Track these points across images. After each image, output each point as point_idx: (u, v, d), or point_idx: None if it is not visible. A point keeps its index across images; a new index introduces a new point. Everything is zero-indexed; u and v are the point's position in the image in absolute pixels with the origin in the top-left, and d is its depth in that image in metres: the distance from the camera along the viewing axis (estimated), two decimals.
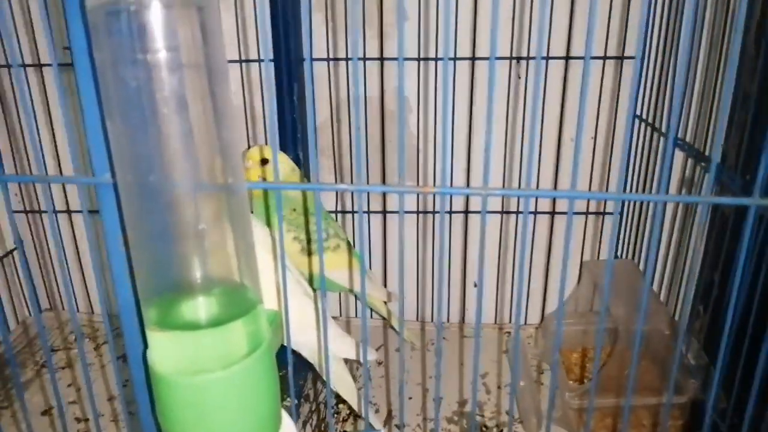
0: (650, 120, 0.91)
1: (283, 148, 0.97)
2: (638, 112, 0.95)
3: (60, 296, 1.17)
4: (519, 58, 0.96)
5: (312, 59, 0.99)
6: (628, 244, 0.99)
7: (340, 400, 0.91)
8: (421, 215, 1.07)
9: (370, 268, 1.10)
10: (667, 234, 0.94)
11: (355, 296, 1.07)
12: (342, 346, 0.69)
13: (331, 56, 0.99)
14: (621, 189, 0.39)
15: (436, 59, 0.97)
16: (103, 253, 0.45)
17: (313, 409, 0.90)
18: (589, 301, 0.95)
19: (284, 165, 0.82)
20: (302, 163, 0.98)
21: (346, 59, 0.99)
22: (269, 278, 0.52)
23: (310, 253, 0.80)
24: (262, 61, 0.99)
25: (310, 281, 0.83)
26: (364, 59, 0.98)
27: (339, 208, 1.07)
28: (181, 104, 0.34)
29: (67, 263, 1.13)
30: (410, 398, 0.95)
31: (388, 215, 1.07)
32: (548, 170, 1.02)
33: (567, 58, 0.95)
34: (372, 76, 0.99)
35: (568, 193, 0.39)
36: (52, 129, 1.05)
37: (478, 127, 1.00)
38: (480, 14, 0.94)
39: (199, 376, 0.40)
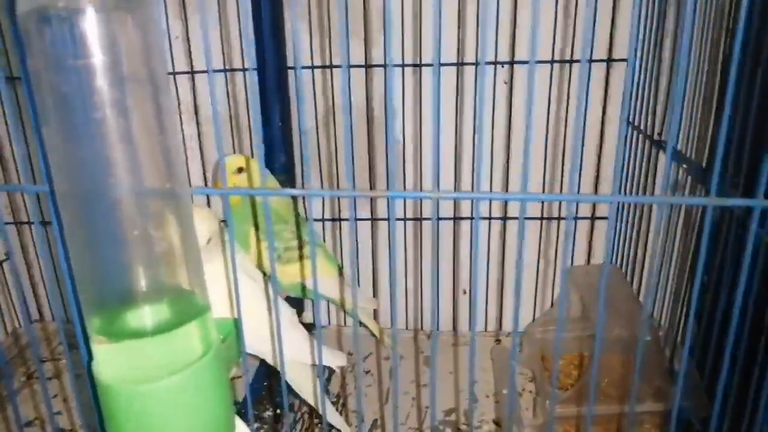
0: (636, 122, 0.90)
1: (270, 156, 0.97)
2: (627, 116, 0.94)
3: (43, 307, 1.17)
4: (504, 63, 0.96)
5: (287, 67, 0.99)
6: (614, 249, 0.98)
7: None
8: (409, 222, 1.06)
9: (359, 283, 1.09)
10: (653, 238, 0.93)
11: (326, 303, 1.06)
12: (305, 352, 0.69)
13: (315, 64, 0.99)
14: (617, 191, 0.38)
15: (420, 65, 0.96)
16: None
17: (297, 418, 0.89)
18: (574, 308, 0.94)
19: (257, 174, 0.82)
20: (288, 170, 0.98)
21: (330, 66, 0.98)
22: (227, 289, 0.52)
23: (288, 261, 0.79)
24: (247, 70, 0.99)
25: (286, 290, 0.83)
26: (348, 66, 0.98)
27: (328, 216, 1.06)
28: (115, 109, 0.34)
29: (56, 273, 1.13)
30: (396, 407, 0.93)
31: (379, 222, 1.07)
32: (538, 175, 1.01)
33: (553, 61, 0.94)
34: (356, 83, 0.99)
35: (565, 197, 0.38)
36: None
37: (468, 131, 1.00)
38: (468, 20, 0.94)
39: (143, 384, 0.40)
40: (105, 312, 0.40)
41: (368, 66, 0.98)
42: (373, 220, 1.06)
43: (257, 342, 0.63)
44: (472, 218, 1.05)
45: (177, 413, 0.41)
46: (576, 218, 1.02)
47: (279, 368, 0.66)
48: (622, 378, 0.75)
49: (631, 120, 0.92)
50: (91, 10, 0.32)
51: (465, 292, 1.10)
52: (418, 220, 1.05)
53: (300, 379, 0.71)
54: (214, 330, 0.43)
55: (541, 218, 1.03)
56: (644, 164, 0.88)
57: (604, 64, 0.94)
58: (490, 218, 1.05)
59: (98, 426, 0.46)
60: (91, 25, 0.32)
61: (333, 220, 1.07)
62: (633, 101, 0.91)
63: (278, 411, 0.89)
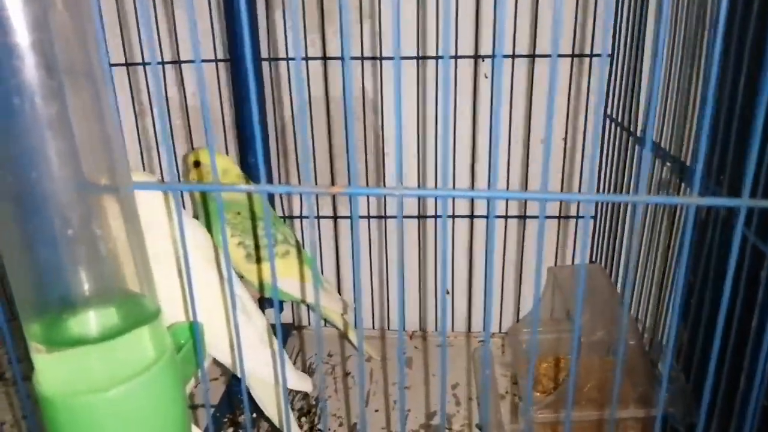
0: (618, 118, 0.88)
1: (244, 150, 0.94)
2: (608, 112, 0.92)
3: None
4: (483, 57, 0.93)
5: (261, 59, 0.96)
6: (597, 247, 0.95)
7: (301, 414, 0.88)
8: (378, 219, 1.03)
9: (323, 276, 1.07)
10: (638, 237, 0.91)
11: (308, 306, 1.03)
12: (295, 380, 0.66)
13: (288, 56, 0.96)
14: (593, 189, 0.35)
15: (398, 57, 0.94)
16: None
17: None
18: (558, 309, 0.91)
19: (222, 167, 0.79)
20: (266, 165, 0.95)
21: (306, 58, 0.95)
22: (200, 289, 0.49)
23: (257, 260, 0.76)
24: (221, 60, 0.96)
25: (260, 290, 0.79)
26: (324, 58, 0.95)
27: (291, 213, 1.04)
28: (40, 95, 0.31)
29: None
30: (376, 411, 0.91)
31: (343, 220, 1.04)
32: (515, 170, 0.99)
33: (533, 56, 0.92)
34: (336, 75, 0.96)
35: (536, 195, 0.35)
36: None
37: (446, 125, 0.97)
38: (438, 13, 0.91)
39: (87, 395, 0.37)
40: (44, 318, 0.36)
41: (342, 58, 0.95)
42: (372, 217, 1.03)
43: (219, 351, 0.60)
44: (456, 216, 1.02)
45: (126, 426, 0.38)
46: (559, 217, 1.00)
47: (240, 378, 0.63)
48: (605, 382, 0.72)
49: (613, 116, 0.90)
50: None
51: (448, 293, 1.08)
52: (390, 218, 1.02)
53: (266, 397, 0.67)
54: (166, 336, 0.40)
55: (523, 216, 1.01)
56: (626, 161, 0.86)
57: (587, 59, 0.92)
58: (471, 216, 1.02)
59: None
60: (14, 3, 0.29)
61: (293, 217, 1.04)
62: (614, 97, 0.89)
63: (253, 414, 0.86)
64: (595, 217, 0.99)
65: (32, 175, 0.31)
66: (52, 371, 0.37)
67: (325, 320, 0.91)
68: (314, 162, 1.00)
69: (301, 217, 1.04)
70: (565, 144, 0.96)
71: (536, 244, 1.00)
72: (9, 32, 0.29)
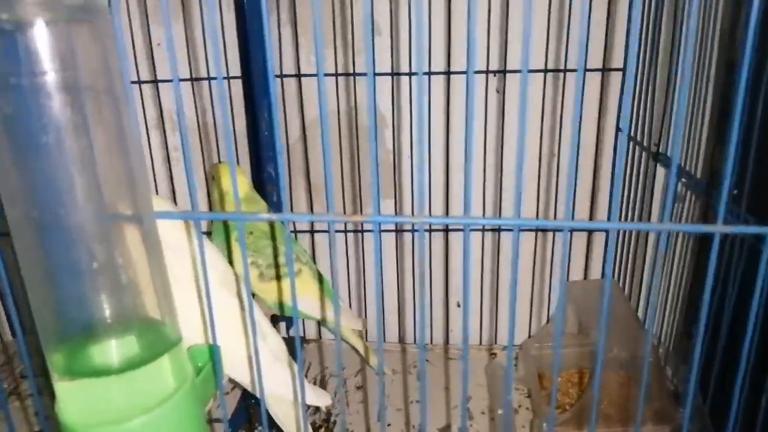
0: (632, 134, 0.87)
1: (257, 166, 0.94)
2: (621, 126, 0.92)
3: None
4: (497, 72, 0.93)
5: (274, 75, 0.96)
6: (615, 263, 0.95)
7: (315, 429, 0.88)
8: (397, 233, 1.03)
9: (348, 299, 1.06)
10: (652, 252, 0.90)
11: (319, 323, 1.03)
12: (290, 391, 0.65)
13: (301, 72, 0.96)
14: (616, 218, 0.35)
15: (410, 74, 0.94)
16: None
17: None
18: (570, 323, 0.91)
19: (240, 184, 0.79)
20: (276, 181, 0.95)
21: (317, 75, 0.95)
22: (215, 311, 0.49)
23: (271, 279, 0.76)
24: (233, 78, 0.96)
25: (273, 308, 0.79)
26: (336, 75, 0.95)
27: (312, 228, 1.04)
28: (68, 132, 0.31)
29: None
30: (389, 425, 0.90)
31: (364, 234, 1.04)
32: (532, 185, 0.98)
33: (546, 71, 0.92)
34: (343, 92, 0.96)
35: (560, 224, 0.35)
36: None
37: (456, 143, 0.97)
38: (454, 27, 0.91)
39: (110, 426, 0.37)
40: (66, 348, 0.37)
41: (354, 74, 0.95)
42: (362, 231, 1.03)
43: (235, 371, 0.60)
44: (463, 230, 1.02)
45: None
46: (572, 230, 1.00)
47: (260, 398, 0.63)
48: (621, 398, 0.72)
49: (627, 132, 0.89)
50: (40, 22, 0.29)
51: (459, 305, 1.07)
52: (408, 231, 1.02)
53: (282, 413, 0.67)
54: (187, 363, 0.40)
55: (536, 230, 1.01)
56: (642, 177, 0.86)
57: (599, 74, 0.91)
58: (483, 230, 1.02)
59: None
60: (40, 38, 0.29)
61: (317, 231, 1.04)
62: (630, 113, 0.89)
63: None
64: (608, 232, 0.98)
65: (59, 211, 0.31)
66: (74, 400, 0.38)
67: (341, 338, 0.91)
68: (325, 178, 1.01)
69: (312, 231, 1.04)
70: (577, 160, 0.96)
71: (552, 258, 1.00)
72: (38, 71, 0.29)
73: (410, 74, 0.94)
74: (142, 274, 0.36)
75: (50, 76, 0.30)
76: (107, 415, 0.37)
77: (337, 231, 1.04)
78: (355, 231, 1.04)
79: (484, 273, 1.04)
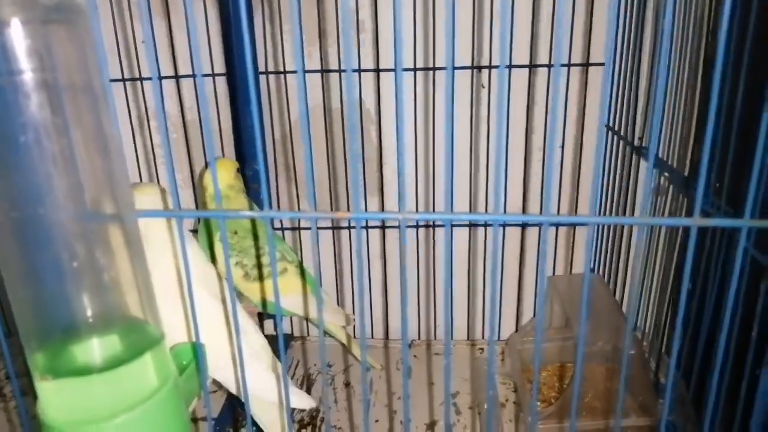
0: (617, 128, 0.88)
1: (242, 162, 0.94)
2: (608, 122, 0.92)
3: None
4: (480, 67, 0.93)
5: (258, 72, 0.96)
6: (596, 258, 0.96)
7: (302, 426, 0.88)
8: (383, 229, 1.03)
9: (336, 297, 1.06)
10: (635, 246, 0.91)
11: (307, 320, 1.03)
12: (272, 391, 0.63)
13: (286, 69, 0.96)
14: (596, 212, 0.35)
15: (396, 70, 0.94)
16: None
17: None
18: (556, 317, 0.91)
19: (224, 179, 0.78)
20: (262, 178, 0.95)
21: (303, 71, 0.95)
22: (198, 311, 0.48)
23: (256, 279, 0.75)
24: (218, 75, 0.96)
25: (259, 306, 0.79)
26: (322, 71, 0.95)
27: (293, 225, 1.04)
28: (46, 131, 0.31)
29: None
30: (377, 421, 0.91)
31: (351, 231, 1.04)
32: (516, 180, 0.99)
33: (530, 66, 0.92)
34: (329, 88, 0.96)
35: (540, 218, 0.35)
36: None
37: (439, 138, 0.97)
38: (438, 23, 0.91)
39: (92, 425, 0.37)
40: (47, 347, 0.37)
41: (340, 71, 0.95)
42: (349, 228, 1.03)
43: (217, 370, 0.60)
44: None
45: None
46: (556, 224, 1.01)
47: (243, 399, 0.63)
48: (606, 391, 0.72)
49: (612, 126, 0.90)
50: (16, 21, 0.29)
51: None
52: (393, 228, 1.03)
53: (264, 415, 0.66)
54: (169, 362, 0.40)
55: (521, 225, 1.01)
56: (625, 171, 0.87)
57: (582, 68, 0.92)
58: (469, 225, 1.02)
59: None
60: (16, 38, 0.29)
61: (303, 228, 1.04)
62: (613, 106, 0.89)
63: None
64: (596, 228, 0.99)
65: (38, 210, 0.31)
66: (56, 400, 0.37)
67: (326, 333, 0.91)
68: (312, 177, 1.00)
69: (299, 228, 1.04)
70: (562, 154, 0.97)
71: (535, 251, 1.01)
72: (15, 70, 0.29)
73: (394, 70, 0.94)
74: (123, 272, 0.36)
75: (27, 76, 0.30)
76: (90, 413, 0.37)
77: (321, 228, 1.04)
78: (340, 228, 1.04)
79: (470, 269, 1.05)
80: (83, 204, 0.33)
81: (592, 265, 0.99)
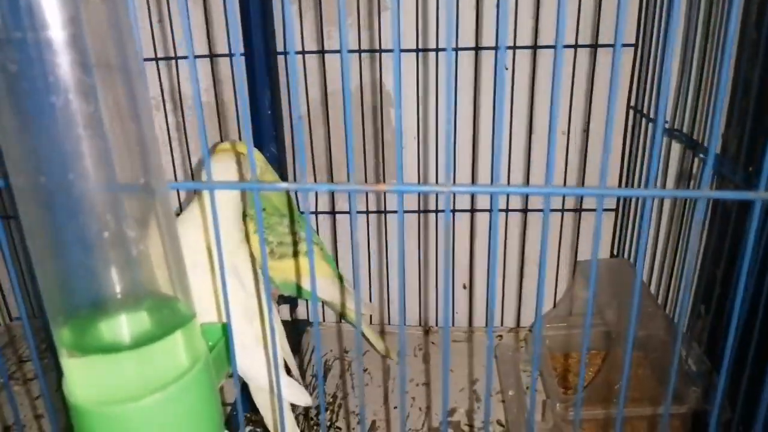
0: (643, 109, 0.86)
1: (258, 145, 0.92)
2: (633, 103, 0.90)
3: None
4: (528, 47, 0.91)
5: (277, 52, 0.94)
6: (626, 242, 0.93)
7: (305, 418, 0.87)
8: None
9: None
10: (665, 230, 0.89)
11: (323, 304, 1.02)
12: (289, 392, 0.63)
13: (306, 49, 0.94)
14: (604, 185, 0.33)
15: (417, 50, 0.92)
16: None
17: None
18: (583, 302, 0.90)
19: (256, 161, 0.77)
20: (278, 160, 0.93)
21: (321, 52, 0.94)
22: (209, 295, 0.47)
23: (281, 257, 0.74)
24: (233, 55, 0.93)
25: (286, 288, 0.78)
26: (341, 51, 0.93)
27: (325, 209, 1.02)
28: (76, 93, 0.29)
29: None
30: (395, 407, 0.89)
31: (371, 216, 1.02)
32: (541, 163, 0.97)
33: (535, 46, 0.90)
34: (352, 69, 0.94)
35: (593, 191, 0.33)
36: None
37: (465, 120, 0.95)
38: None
39: (122, 405, 0.35)
40: (74, 323, 0.35)
41: (362, 51, 0.93)
42: (368, 213, 1.02)
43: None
44: (476, 210, 1.01)
45: None
46: (580, 210, 0.99)
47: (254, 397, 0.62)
48: (638, 378, 0.71)
49: (637, 107, 0.88)
50: None
51: (465, 287, 1.06)
52: (415, 212, 1.01)
53: (260, 400, 0.65)
54: (201, 340, 0.39)
55: (580, 209, 0.99)
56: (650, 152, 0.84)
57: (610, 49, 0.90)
58: (490, 210, 1.00)
59: None
60: None
61: (326, 213, 1.02)
62: (638, 87, 0.87)
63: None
64: (617, 211, 0.97)
65: (69, 176, 0.29)
66: (83, 377, 0.36)
67: (344, 318, 0.89)
68: (329, 156, 0.99)
69: (316, 212, 1.02)
70: (587, 136, 0.94)
71: (558, 237, 0.99)
72: (44, 26, 0.27)
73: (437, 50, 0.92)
74: (154, 246, 0.35)
75: (56, 32, 0.28)
76: (118, 392, 0.35)
77: (340, 213, 1.02)
78: (361, 213, 1.02)
79: (490, 255, 1.03)
80: (114, 173, 0.32)
81: (616, 250, 0.96)
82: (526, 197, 0.98)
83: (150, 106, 0.33)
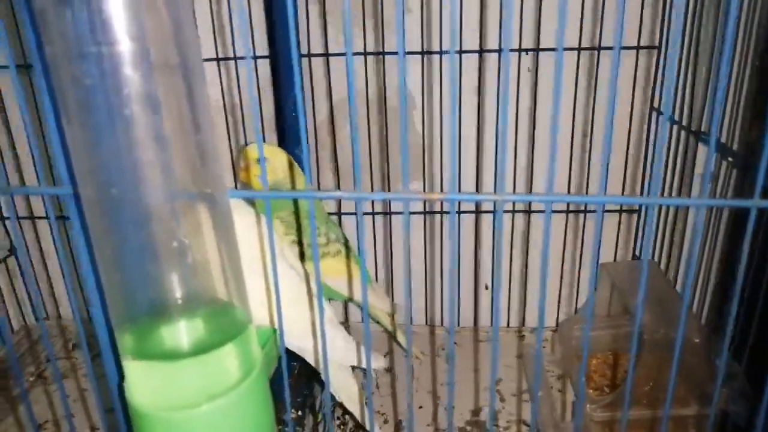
0: (671, 113, 0.86)
1: (284, 147, 0.92)
2: (656, 105, 0.90)
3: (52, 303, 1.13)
4: (529, 50, 0.91)
5: (301, 55, 0.95)
6: (649, 244, 0.94)
7: (346, 410, 0.87)
8: (426, 215, 1.02)
9: (376, 278, 1.05)
10: (690, 232, 0.89)
11: (358, 305, 1.03)
12: (348, 354, 0.65)
13: (329, 51, 0.94)
14: (657, 193, 0.34)
15: (441, 52, 0.92)
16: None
17: (318, 420, 0.85)
18: (607, 304, 0.90)
19: (282, 163, 0.77)
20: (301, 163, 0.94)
21: (345, 54, 0.94)
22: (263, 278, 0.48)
23: (311, 258, 0.75)
24: (254, 58, 0.94)
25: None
26: (365, 54, 0.93)
27: (339, 210, 1.03)
28: (146, 104, 0.30)
29: (63, 269, 1.09)
30: (420, 407, 0.90)
31: (392, 217, 1.03)
32: (565, 166, 0.97)
33: (579, 49, 0.90)
34: (372, 71, 0.94)
35: (597, 198, 0.34)
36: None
37: (489, 124, 0.96)
38: (488, 5, 0.89)
39: (181, 411, 0.36)
40: (138, 329, 0.36)
41: (383, 53, 0.93)
42: (388, 214, 1.02)
43: (294, 338, 0.59)
44: (494, 211, 1.01)
45: None
46: (603, 211, 0.99)
47: (317, 366, 0.63)
48: (667, 381, 0.71)
49: (660, 109, 0.88)
50: None
51: (487, 288, 1.06)
52: (436, 213, 1.01)
53: (338, 381, 0.66)
54: (256, 347, 0.39)
55: (567, 211, 0.99)
56: (680, 156, 0.85)
57: (633, 51, 0.90)
58: (513, 211, 1.01)
59: None
60: (116, 5, 0.28)
61: (342, 214, 1.03)
62: (662, 89, 0.87)
63: (300, 413, 0.85)
64: (639, 212, 0.97)
65: (139, 187, 0.30)
66: (143, 382, 0.37)
67: (373, 319, 0.90)
68: (353, 160, 0.99)
69: (354, 214, 1.03)
70: (610, 138, 0.95)
71: (585, 240, 0.99)
72: (117, 40, 0.27)
73: (441, 53, 0.92)
74: (213, 253, 0.35)
75: (128, 45, 0.29)
76: (178, 398, 0.36)
77: (368, 213, 1.03)
78: (391, 213, 1.02)
79: (513, 255, 1.03)
80: (178, 182, 0.32)
81: (640, 252, 0.97)
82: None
83: (209, 112, 0.33)
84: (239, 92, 0.97)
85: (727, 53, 0.34)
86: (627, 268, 0.85)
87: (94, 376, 0.45)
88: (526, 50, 0.91)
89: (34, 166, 1.02)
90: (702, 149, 0.81)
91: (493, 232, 1.02)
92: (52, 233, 1.07)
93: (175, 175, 0.32)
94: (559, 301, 1.04)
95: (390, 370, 0.98)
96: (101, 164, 0.30)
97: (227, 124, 0.99)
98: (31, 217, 1.07)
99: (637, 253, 0.97)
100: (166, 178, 0.32)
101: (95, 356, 0.43)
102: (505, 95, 0.34)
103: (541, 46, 0.91)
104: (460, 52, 0.92)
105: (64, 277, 1.10)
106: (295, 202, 0.75)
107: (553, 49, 0.90)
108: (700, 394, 0.69)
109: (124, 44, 0.29)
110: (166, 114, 0.31)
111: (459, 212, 1.01)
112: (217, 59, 0.95)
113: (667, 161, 0.88)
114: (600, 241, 0.36)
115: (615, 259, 1.00)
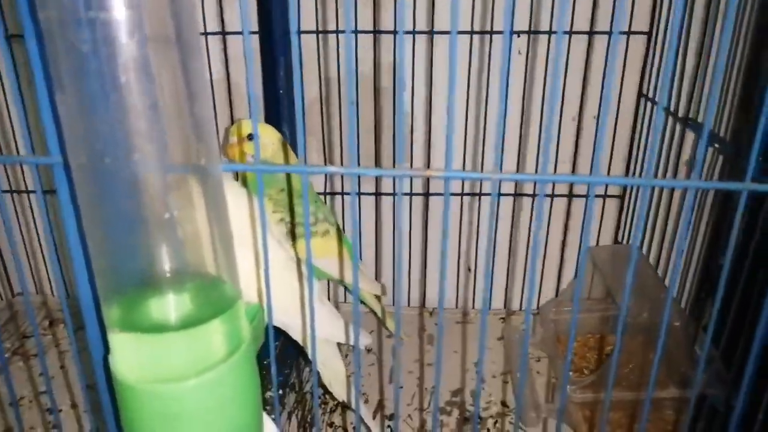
0: (657, 98, 0.87)
1: (274, 125, 0.92)
2: (644, 91, 0.91)
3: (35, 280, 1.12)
4: (520, 33, 0.91)
5: (299, 32, 0.94)
6: (626, 228, 0.95)
7: (326, 390, 0.87)
8: (413, 197, 1.02)
9: (361, 258, 1.05)
10: (674, 218, 0.90)
11: (344, 286, 1.03)
12: (333, 330, 0.65)
13: (320, 29, 0.93)
14: (651, 175, 0.34)
15: (431, 32, 0.91)
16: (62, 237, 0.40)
17: (299, 399, 0.86)
18: (588, 287, 0.91)
19: (272, 140, 0.76)
20: (290, 141, 0.93)
21: (336, 32, 0.93)
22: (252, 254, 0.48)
23: (296, 237, 0.74)
24: (251, 33, 0.93)
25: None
26: (356, 32, 0.92)
27: (328, 190, 1.02)
28: (141, 73, 0.29)
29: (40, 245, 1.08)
30: (401, 387, 0.91)
31: (381, 197, 1.02)
32: (565, 150, 0.98)
33: (571, 33, 0.90)
34: (364, 50, 0.94)
35: (591, 179, 0.34)
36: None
37: (479, 104, 0.95)
38: None
39: (168, 384, 0.35)
40: (126, 300, 0.35)
41: (376, 32, 0.93)
42: (377, 195, 1.02)
43: (281, 314, 0.59)
44: (482, 194, 1.01)
45: (203, 416, 0.37)
46: (587, 196, 0.99)
47: (303, 344, 0.63)
48: (646, 363, 0.72)
49: (649, 95, 0.89)
50: None
51: (470, 270, 1.07)
52: (422, 195, 1.01)
53: (324, 358, 0.66)
54: (245, 323, 0.39)
55: (552, 195, 1.00)
56: (666, 141, 0.85)
57: (624, 37, 0.90)
58: (499, 194, 1.01)
59: (114, 425, 0.42)
60: None
61: (331, 194, 1.02)
62: (650, 76, 0.88)
63: (281, 391, 0.85)
64: (622, 197, 0.98)
65: (133, 157, 0.29)
66: (130, 355, 0.36)
67: (360, 301, 0.90)
68: (340, 139, 0.99)
69: (332, 192, 1.02)
70: (597, 123, 0.95)
71: (570, 224, 1.00)
72: (114, 5, 0.27)
73: (432, 32, 0.91)
74: (204, 227, 0.35)
75: (124, 12, 0.28)
76: (165, 371, 0.36)
77: (364, 194, 1.02)
78: (382, 194, 1.02)
79: (498, 238, 1.04)
80: (173, 153, 0.32)
81: (623, 237, 0.98)
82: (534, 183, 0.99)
83: (207, 84, 0.33)
84: (227, 68, 0.96)
85: (724, 45, 0.34)
86: (609, 252, 0.86)
87: (77, 350, 0.44)
88: (518, 32, 0.91)
89: (14, 135, 1.01)
90: (689, 135, 0.81)
91: (487, 214, 1.02)
92: (31, 206, 1.06)
93: (169, 145, 0.31)
94: (541, 285, 1.05)
95: (371, 350, 0.98)
96: (94, 133, 0.30)
97: (213, 99, 0.98)
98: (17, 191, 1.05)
99: (620, 237, 0.98)
100: (160, 149, 0.31)
101: (77, 329, 0.43)
102: (503, 78, 0.33)
103: (533, 29, 0.91)
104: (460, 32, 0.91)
105: (42, 251, 1.09)
106: (288, 179, 0.74)
107: (547, 32, 0.90)
108: (679, 377, 0.70)
109: (120, 11, 0.28)
110: (161, 83, 0.30)
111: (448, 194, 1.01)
112: (206, 33, 0.93)
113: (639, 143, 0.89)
114: (590, 222, 0.36)
115: (597, 244, 1.01)
